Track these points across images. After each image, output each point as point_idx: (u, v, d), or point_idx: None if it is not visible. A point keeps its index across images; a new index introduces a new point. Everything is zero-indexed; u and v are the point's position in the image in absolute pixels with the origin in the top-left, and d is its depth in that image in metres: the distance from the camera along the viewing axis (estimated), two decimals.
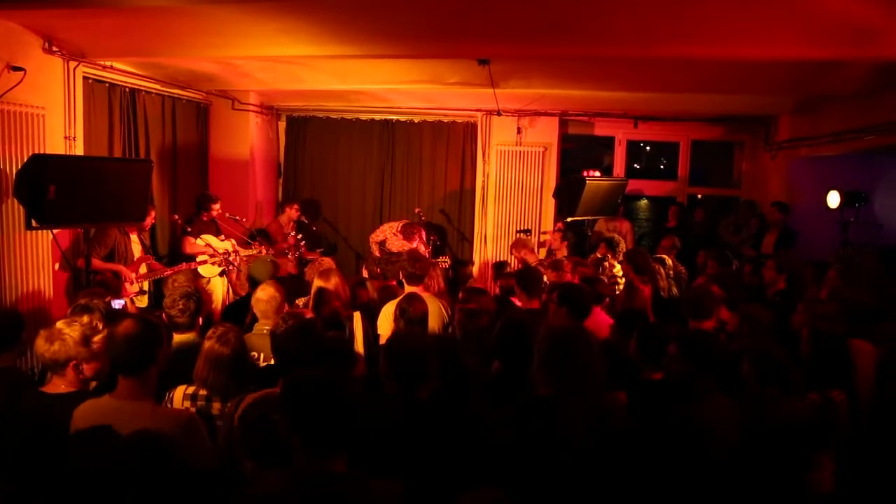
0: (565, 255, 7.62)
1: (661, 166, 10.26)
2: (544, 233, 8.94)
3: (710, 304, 3.98)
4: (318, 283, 4.49)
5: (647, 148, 10.12)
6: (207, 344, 3.09)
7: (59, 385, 2.80)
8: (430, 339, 2.97)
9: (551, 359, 2.64)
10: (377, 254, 7.70)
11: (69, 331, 2.77)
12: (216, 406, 3.04)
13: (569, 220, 7.83)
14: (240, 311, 4.61)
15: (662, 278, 6.18)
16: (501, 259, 8.55)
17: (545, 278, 5.83)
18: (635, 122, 8.95)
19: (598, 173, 8.31)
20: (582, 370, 2.61)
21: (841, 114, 6.99)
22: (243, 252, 6.95)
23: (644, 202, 10.11)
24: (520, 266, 6.95)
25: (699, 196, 9.53)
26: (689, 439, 2.75)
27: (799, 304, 4.16)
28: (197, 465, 2.44)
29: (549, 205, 8.92)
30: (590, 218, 8.07)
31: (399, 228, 7.98)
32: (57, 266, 5.55)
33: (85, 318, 2.94)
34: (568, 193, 7.73)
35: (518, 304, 5.12)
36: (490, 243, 9.12)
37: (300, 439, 2.07)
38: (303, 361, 2.92)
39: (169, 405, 3.02)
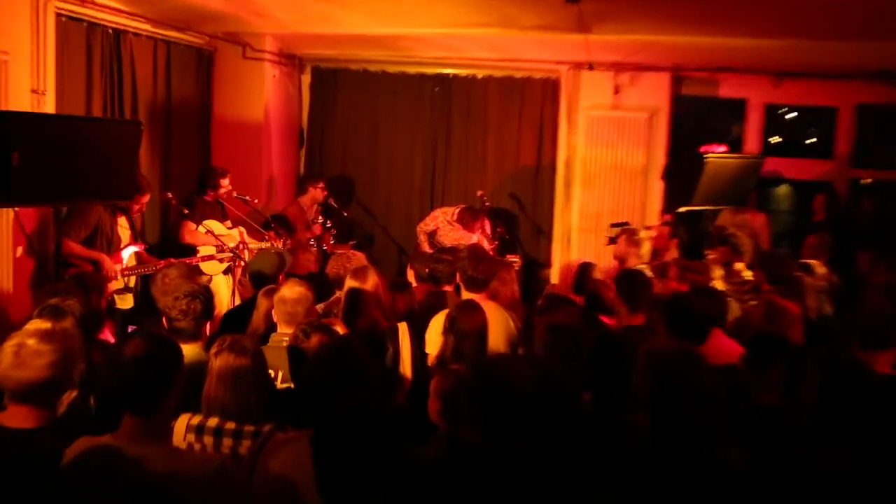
0: (675, 256, 7.48)
1: (812, 140, 10.01)
2: (648, 227, 8.78)
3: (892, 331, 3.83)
4: (351, 283, 4.52)
5: (793, 115, 9.87)
6: (219, 358, 3.11)
7: (20, 416, 2.74)
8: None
9: (649, 393, 2.69)
10: (426, 248, 7.71)
11: (45, 349, 2.72)
12: (227, 443, 3.06)
13: (682, 210, 7.69)
14: (242, 320, 4.67)
15: (809, 293, 5.97)
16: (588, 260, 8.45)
17: None
18: (777, 79, 8.70)
19: (723, 148, 8.12)
20: (688, 409, 2.63)
21: None
22: (254, 244, 7.03)
23: (785, 188, 9.91)
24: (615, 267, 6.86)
25: (864, 181, 9.29)
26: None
27: None
28: None
29: (656, 190, 8.81)
30: (711, 208, 7.90)
31: (455, 216, 7.97)
32: (20, 252, 5.70)
33: (47, 324, 2.92)
34: (681, 175, 7.66)
35: (608, 322, 5.07)
36: (575, 239, 9.02)
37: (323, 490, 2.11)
38: (331, 391, 2.91)
39: None
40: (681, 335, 3.95)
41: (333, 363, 3.04)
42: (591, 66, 8.60)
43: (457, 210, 8.08)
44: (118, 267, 5.96)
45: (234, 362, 3.08)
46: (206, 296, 3.82)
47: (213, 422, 3.08)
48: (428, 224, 8.17)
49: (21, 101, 5.67)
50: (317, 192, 8.37)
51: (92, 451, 2.58)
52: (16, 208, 5.32)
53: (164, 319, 3.80)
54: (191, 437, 3.06)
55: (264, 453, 2.80)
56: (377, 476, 2.16)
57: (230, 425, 3.06)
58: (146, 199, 6.34)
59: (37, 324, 2.98)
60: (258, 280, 5.17)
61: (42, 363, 2.70)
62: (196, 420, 3.10)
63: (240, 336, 3.26)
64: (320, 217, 8.30)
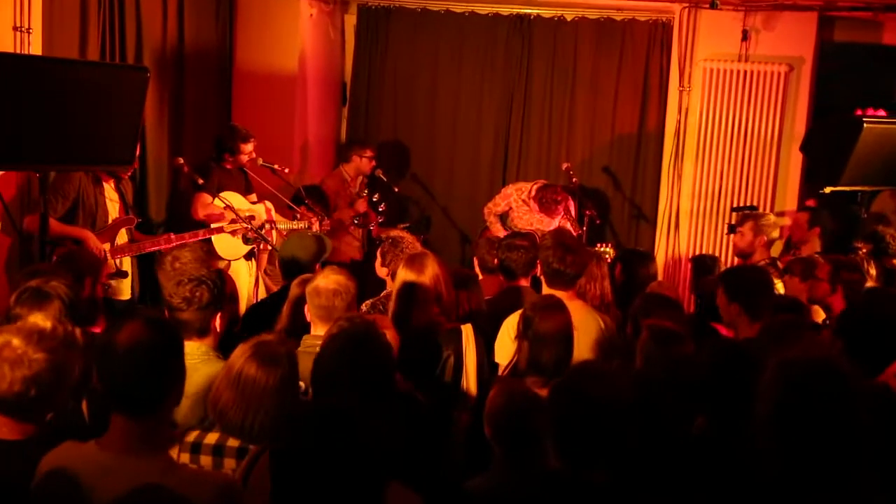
0: (817, 250, 7.34)
1: None
2: (780, 213, 8.65)
3: None
4: (404, 274, 4.54)
5: None
6: (240, 365, 3.13)
7: (5, 426, 2.80)
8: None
9: (779, 415, 2.65)
10: (497, 233, 7.69)
11: (35, 356, 2.75)
12: (229, 464, 3.09)
13: (827, 190, 7.53)
14: (270, 316, 4.72)
15: None
16: (703, 252, 8.33)
17: (779, 287, 5.74)
18: None
19: (884, 112, 7.91)
20: (835, 441, 2.57)
21: None
22: (284, 224, 7.06)
23: None
24: (736, 263, 6.80)
25: None
26: None
27: None
28: None
29: (793, 165, 8.77)
30: (866, 189, 7.70)
31: (533, 194, 7.97)
32: None
33: (48, 323, 2.94)
34: (828, 146, 7.48)
35: (724, 331, 5.02)
36: (684, 226, 9.03)
37: None
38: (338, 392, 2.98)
39: None
40: (865, 359, 3.81)
41: (343, 353, 3.03)
42: (713, 4, 8.38)
43: (534, 187, 8.07)
44: (106, 247, 6.02)
45: (256, 377, 3.10)
46: (216, 282, 3.82)
47: (212, 438, 3.12)
48: (498, 204, 8.20)
49: (1, 41, 5.75)
50: (362, 163, 8.42)
51: (71, 460, 2.62)
52: None
53: (165, 309, 3.82)
54: (185, 457, 3.10)
55: (260, 473, 2.83)
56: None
57: (233, 443, 3.10)
58: (136, 151, 6.37)
59: (33, 320, 3.01)
60: (290, 268, 5.19)
61: (24, 374, 2.73)
62: (192, 436, 3.14)
63: (280, 341, 3.31)
64: (366, 191, 8.33)
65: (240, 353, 3.18)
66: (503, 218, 8.06)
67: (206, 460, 3.10)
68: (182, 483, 2.53)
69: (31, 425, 2.82)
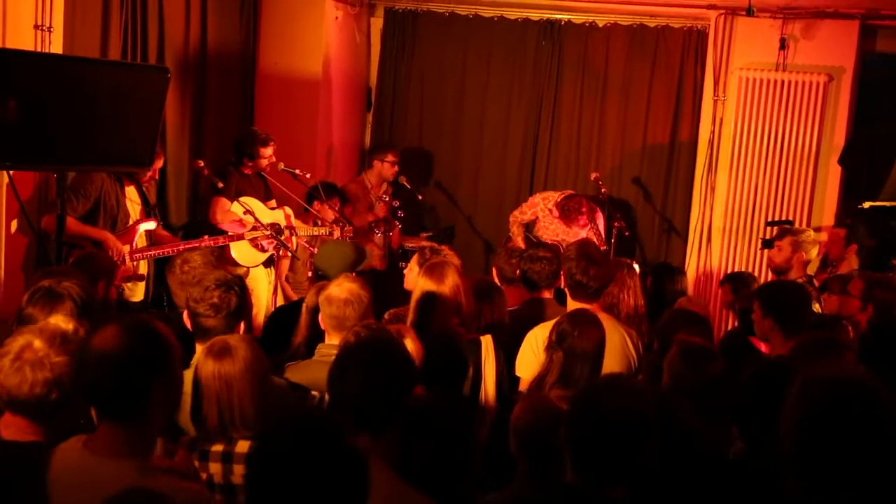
0: (854, 268, 7.29)
1: None
2: (818, 229, 8.59)
3: None
4: (424, 283, 4.53)
5: None
6: (199, 369, 3.15)
7: (15, 427, 2.81)
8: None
9: (806, 434, 2.58)
10: (520, 243, 7.71)
11: (54, 354, 2.77)
12: (238, 470, 3.11)
13: (865, 205, 7.48)
14: (292, 323, 4.70)
15: None
16: (736, 269, 8.26)
17: (817, 306, 5.69)
18: None
19: None
20: (861, 461, 2.51)
21: None
22: (304, 230, 7.08)
23: None
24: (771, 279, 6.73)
25: None
26: None
27: None
28: None
29: (831, 179, 8.69)
30: None
31: (558, 201, 7.94)
32: (14, 227, 5.85)
33: (69, 325, 2.96)
34: (868, 159, 7.51)
35: (764, 349, 4.97)
36: (716, 240, 8.96)
37: None
38: (365, 409, 2.96)
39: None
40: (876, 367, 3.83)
41: (355, 366, 3.03)
42: (749, 11, 8.40)
43: (561, 196, 8.06)
44: (126, 248, 6.06)
45: (222, 372, 3.13)
46: (243, 287, 3.84)
47: (219, 446, 3.16)
48: (525, 212, 8.19)
49: (22, 39, 5.78)
50: (384, 167, 8.44)
51: (64, 456, 2.64)
52: (10, 172, 5.44)
53: (185, 315, 3.83)
54: (215, 467, 3.14)
55: None
56: None
57: (241, 448, 3.10)
58: (159, 163, 6.44)
59: (55, 321, 3.03)
60: (322, 279, 5.16)
61: (46, 376, 2.74)
62: (219, 447, 3.16)
63: (227, 336, 3.33)
64: (388, 197, 8.37)
65: (197, 362, 3.23)
66: (528, 228, 8.04)
67: (215, 468, 3.13)
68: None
69: (47, 427, 2.82)
